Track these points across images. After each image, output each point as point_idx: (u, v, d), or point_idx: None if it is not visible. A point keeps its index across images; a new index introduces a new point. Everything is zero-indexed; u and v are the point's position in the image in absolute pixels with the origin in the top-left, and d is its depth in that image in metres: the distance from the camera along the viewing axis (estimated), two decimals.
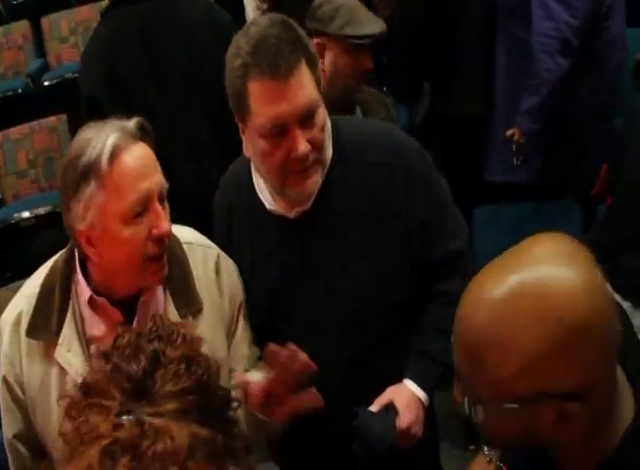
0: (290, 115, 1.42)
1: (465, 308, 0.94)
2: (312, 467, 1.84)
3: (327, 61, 2.13)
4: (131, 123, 1.38)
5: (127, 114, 1.42)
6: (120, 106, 2.28)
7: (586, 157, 2.83)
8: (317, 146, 1.47)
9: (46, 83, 4.42)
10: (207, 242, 1.60)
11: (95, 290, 1.44)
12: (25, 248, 3.44)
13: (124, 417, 0.89)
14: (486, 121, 2.98)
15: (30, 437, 1.49)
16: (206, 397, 0.92)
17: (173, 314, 1.44)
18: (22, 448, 1.51)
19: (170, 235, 1.40)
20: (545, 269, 0.90)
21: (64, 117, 4.08)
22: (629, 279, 2.01)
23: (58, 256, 1.50)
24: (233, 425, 0.97)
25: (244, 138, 1.53)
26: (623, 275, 1.96)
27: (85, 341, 1.44)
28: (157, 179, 1.37)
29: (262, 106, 1.42)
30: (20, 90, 4.40)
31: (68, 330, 1.43)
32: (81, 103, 2.44)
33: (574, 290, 0.88)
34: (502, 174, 2.95)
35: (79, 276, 1.44)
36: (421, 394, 1.65)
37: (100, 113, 2.40)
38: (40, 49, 4.79)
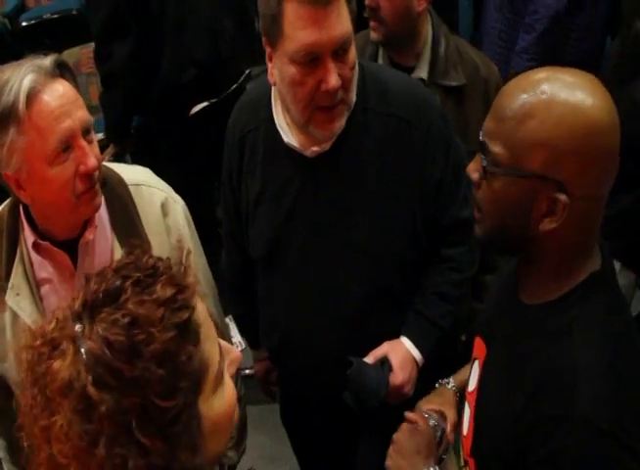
0: (326, 44, 1.39)
1: (522, 80, 1.08)
2: (310, 415, 1.91)
3: None
4: (47, 61, 1.35)
5: None
6: None
7: None
8: (346, 84, 1.46)
9: (24, 24, 4.32)
10: (158, 184, 1.59)
11: (40, 234, 1.44)
12: None
13: (70, 319, 0.89)
14: None
15: None
16: (129, 365, 0.85)
17: (120, 256, 1.43)
18: None
19: (98, 169, 1.39)
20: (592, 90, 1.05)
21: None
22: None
23: (5, 203, 1.50)
24: (158, 420, 0.87)
25: (269, 64, 1.50)
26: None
27: (35, 284, 1.46)
28: (79, 115, 1.36)
29: (298, 30, 1.39)
30: None
31: (16, 275, 1.45)
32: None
33: (609, 111, 1.03)
34: None
35: (24, 222, 1.45)
36: (416, 353, 1.67)
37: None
38: None
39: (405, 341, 1.67)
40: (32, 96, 1.30)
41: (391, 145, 1.58)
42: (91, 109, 4.30)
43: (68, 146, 1.34)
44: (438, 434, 1.42)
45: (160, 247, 1.48)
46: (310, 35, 1.39)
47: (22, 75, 1.31)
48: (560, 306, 1.11)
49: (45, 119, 1.32)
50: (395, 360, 1.64)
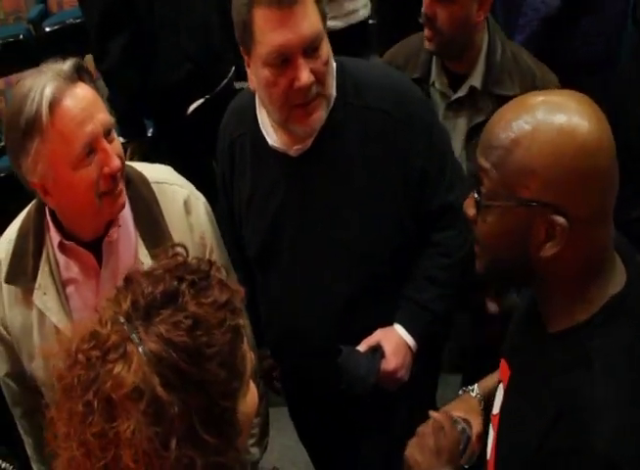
0: (294, 43, 1.42)
1: (509, 108, 1.08)
2: (311, 412, 1.94)
3: None
4: (66, 66, 1.36)
5: None
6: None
7: None
8: (320, 79, 1.48)
9: (47, 29, 4.39)
10: (180, 181, 1.60)
11: (65, 234, 1.46)
12: None
13: (118, 320, 0.90)
14: None
15: (20, 374, 1.55)
16: (194, 367, 0.88)
17: (144, 254, 1.47)
18: (13, 385, 1.59)
19: (121, 171, 1.41)
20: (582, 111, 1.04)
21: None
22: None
23: (32, 203, 1.52)
24: (218, 418, 0.90)
25: (249, 71, 1.53)
26: None
27: (61, 284, 1.48)
28: (100, 118, 1.37)
29: (267, 34, 1.42)
30: (21, 36, 4.36)
31: (43, 275, 1.46)
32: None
33: (598, 132, 1.02)
34: None
35: (49, 222, 1.47)
36: (409, 339, 1.69)
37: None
38: None
39: (398, 327, 1.69)
40: (54, 104, 1.31)
41: (373, 138, 1.60)
42: (112, 112, 4.31)
43: (91, 149, 1.36)
44: (464, 441, 1.40)
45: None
46: (279, 37, 1.42)
47: (44, 84, 1.32)
48: (579, 335, 1.07)
49: (68, 126, 1.33)
50: (388, 347, 1.66)
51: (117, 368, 0.87)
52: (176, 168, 1.69)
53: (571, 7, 2.56)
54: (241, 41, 1.50)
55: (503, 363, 1.27)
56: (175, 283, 0.92)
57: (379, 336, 1.68)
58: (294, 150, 1.58)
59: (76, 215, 1.44)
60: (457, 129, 2.00)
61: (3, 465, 1.55)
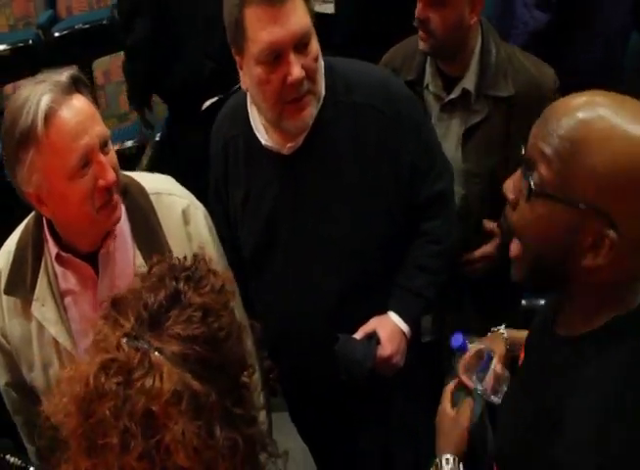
0: (286, 40, 1.45)
1: (579, 97, 1.00)
2: (309, 411, 1.96)
3: None
4: (63, 77, 1.34)
5: None
6: None
7: None
8: (311, 74, 1.50)
9: (56, 34, 4.41)
10: (180, 191, 1.60)
11: (63, 246, 1.46)
12: None
13: (129, 340, 0.91)
14: None
15: (20, 383, 1.56)
16: (215, 352, 0.92)
17: (141, 265, 1.46)
18: (13, 394, 1.59)
19: (116, 183, 1.40)
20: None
21: (74, 68, 4.06)
22: None
23: (31, 215, 1.52)
24: (241, 391, 0.96)
25: (241, 73, 1.56)
26: None
27: (59, 295, 1.48)
28: (96, 131, 1.36)
29: (259, 31, 1.45)
30: (30, 41, 4.39)
31: (41, 286, 1.47)
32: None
33: None
34: None
35: (47, 234, 1.47)
36: (404, 326, 1.73)
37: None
38: (50, 0, 4.76)
39: (392, 315, 1.72)
40: (50, 116, 1.30)
41: (364, 135, 1.62)
42: (120, 117, 4.37)
43: (86, 162, 1.35)
44: (485, 358, 1.42)
45: (181, 255, 1.48)
46: (271, 34, 1.44)
47: (40, 95, 1.30)
48: (582, 342, 1.05)
49: (64, 139, 1.32)
50: (383, 334, 1.69)
51: (148, 382, 0.89)
52: (181, 173, 1.69)
53: (565, 21, 2.54)
54: (233, 41, 1.52)
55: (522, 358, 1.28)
56: (174, 283, 0.96)
57: (374, 323, 1.71)
58: (287, 148, 1.60)
59: (72, 226, 1.44)
60: (451, 131, 2.01)
61: (12, 460, 1.56)
